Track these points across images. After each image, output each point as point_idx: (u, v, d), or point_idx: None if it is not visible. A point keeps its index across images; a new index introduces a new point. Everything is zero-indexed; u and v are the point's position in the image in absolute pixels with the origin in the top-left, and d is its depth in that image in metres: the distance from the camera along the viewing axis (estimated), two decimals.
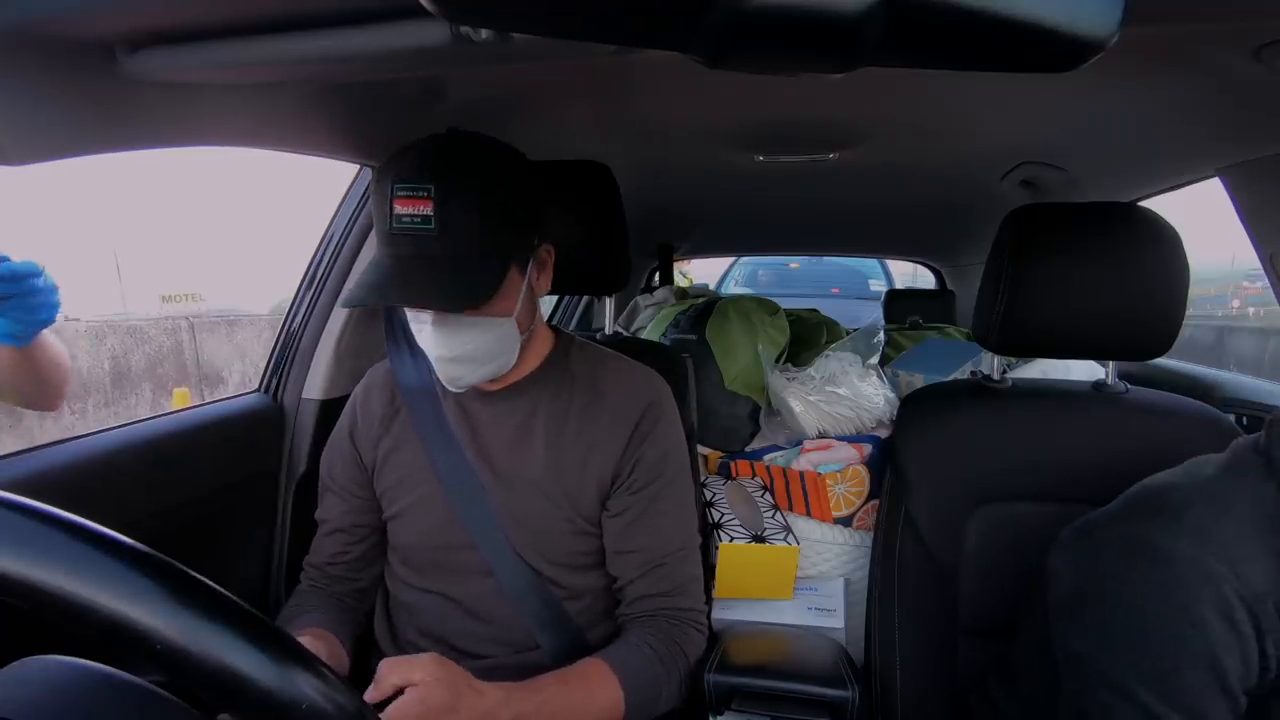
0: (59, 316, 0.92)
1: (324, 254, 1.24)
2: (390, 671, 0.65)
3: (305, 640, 0.39)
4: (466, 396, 0.88)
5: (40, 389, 0.99)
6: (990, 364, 1.11)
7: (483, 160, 0.74)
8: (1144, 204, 1.35)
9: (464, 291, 0.72)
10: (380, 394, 0.93)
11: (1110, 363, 1.06)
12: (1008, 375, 1.13)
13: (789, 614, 1.21)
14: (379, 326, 1.14)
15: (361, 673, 0.92)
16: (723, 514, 1.24)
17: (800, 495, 1.30)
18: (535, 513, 0.85)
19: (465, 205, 0.71)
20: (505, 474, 0.86)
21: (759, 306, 1.55)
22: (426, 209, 0.69)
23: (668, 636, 0.84)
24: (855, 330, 1.60)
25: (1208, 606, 0.59)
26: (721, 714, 0.91)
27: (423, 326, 0.77)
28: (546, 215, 0.83)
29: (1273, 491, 0.63)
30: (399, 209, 0.70)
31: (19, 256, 0.92)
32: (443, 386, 0.86)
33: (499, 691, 0.70)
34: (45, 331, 0.96)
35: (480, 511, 0.84)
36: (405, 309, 0.81)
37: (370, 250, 1.20)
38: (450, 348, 0.77)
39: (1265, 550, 0.60)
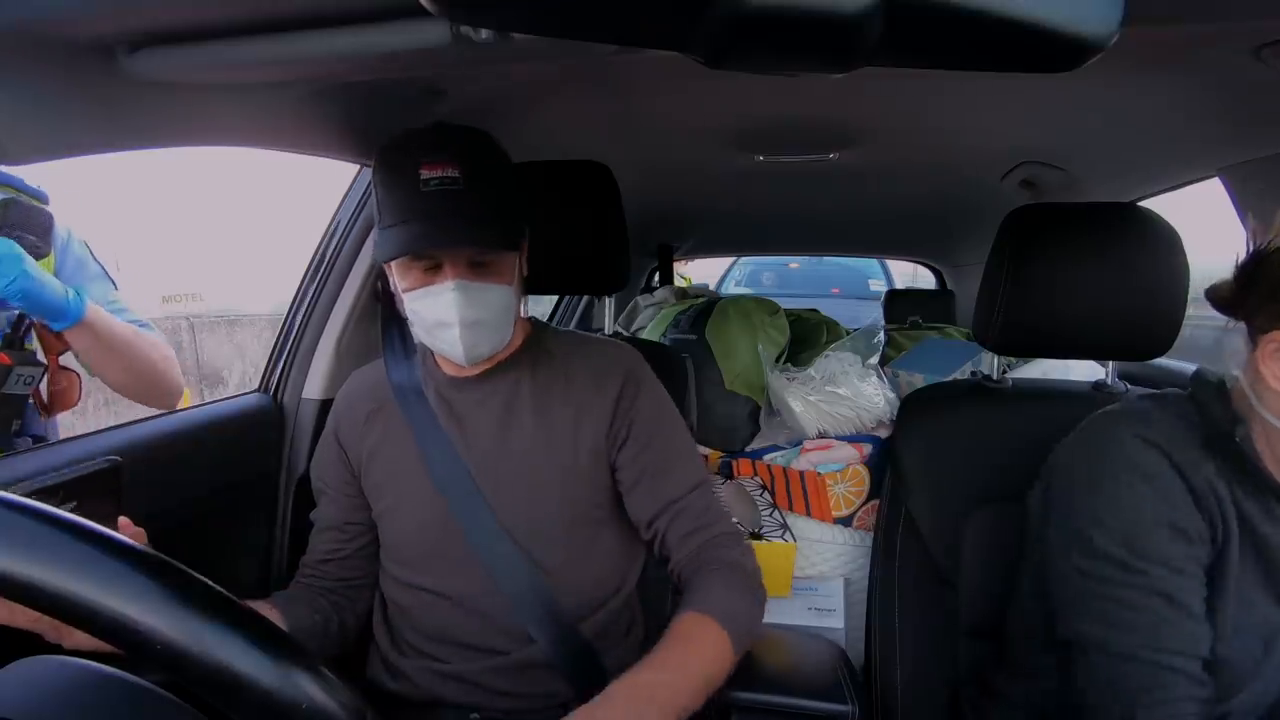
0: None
1: (324, 254, 1.24)
2: None
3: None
4: (446, 387, 0.90)
5: (129, 379, 1.04)
6: (990, 364, 1.12)
7: (489, 142, 0.83)
8: (1144, 204, 1.35)
9: (499, 235, 0.78)
10: (363, 393, 0.95)
11: (1110, 363, 1.06)
12: (1008, 375, 1.13)
13: (788, 614, 1.21)
14: (378, 326, 1.14)
15: (361, 673, 0.92)
16: None
17: (800, 495, 1.30)
18: (524, 487, 0.86)
19: (488, 170, 0.79)
20: (494, 456, 0.87)
21: (759, 306, 1.55)
22: (454, 171, 0.76)
23: (721, 561, 0.84)
24: (855, 330, 1.60)
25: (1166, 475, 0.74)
26: None
27: (440, 296, 0.79)
28: (531, 214, 0.88)
29: (1194, 410, 0.77)
30: (426, 174, 0.76)
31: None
32: (427, 381, 0.90)
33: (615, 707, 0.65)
34: (108, 318, 1.01)
35: (470, 501, 0.85)
36: (408, 292, 0.82)
37: (369, 252, 1.20)
38: (474, 310, 0.80)
39: (1196, 446, 0.75)
